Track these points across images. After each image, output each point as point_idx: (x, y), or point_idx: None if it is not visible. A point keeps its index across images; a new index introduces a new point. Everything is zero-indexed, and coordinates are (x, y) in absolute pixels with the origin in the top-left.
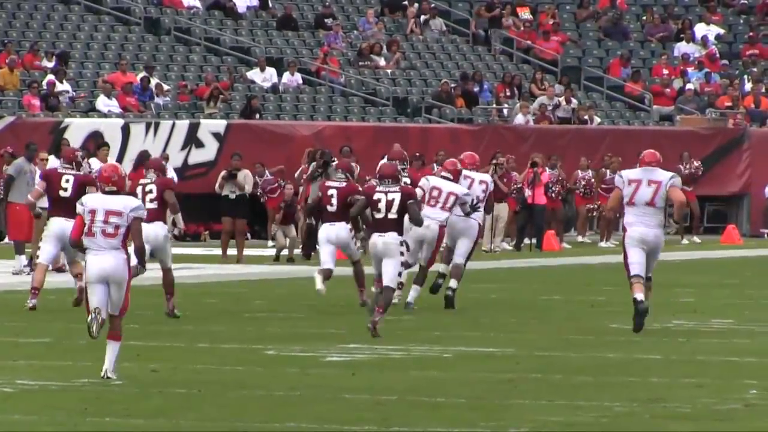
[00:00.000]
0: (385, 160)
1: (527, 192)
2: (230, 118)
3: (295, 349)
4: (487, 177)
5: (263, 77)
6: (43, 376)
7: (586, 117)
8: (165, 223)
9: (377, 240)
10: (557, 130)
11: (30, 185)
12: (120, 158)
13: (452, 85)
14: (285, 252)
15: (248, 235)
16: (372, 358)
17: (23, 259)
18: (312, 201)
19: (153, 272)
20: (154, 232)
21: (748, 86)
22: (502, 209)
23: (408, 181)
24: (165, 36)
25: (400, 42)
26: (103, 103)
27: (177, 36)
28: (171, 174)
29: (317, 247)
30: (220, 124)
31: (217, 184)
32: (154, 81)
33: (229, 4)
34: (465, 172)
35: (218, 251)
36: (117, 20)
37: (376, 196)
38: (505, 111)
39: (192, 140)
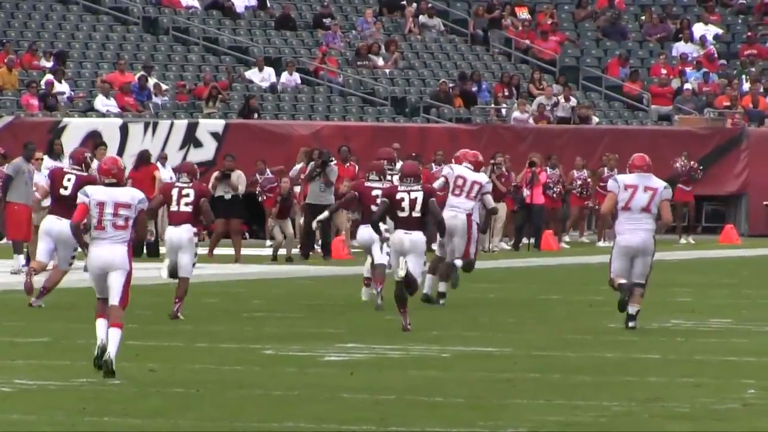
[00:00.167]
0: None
1: (525, 192)
2: (228, 117)
3: (293, 349)
4: (482, 177)
5: (261, 77)
6: (41, 375)
7: (586, 114)
8: (193, 226)
9: (404, 237)
10: (555, 130)
11: (28, 185)
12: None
13: (450, 85)
14: (283, 252)
15: (246, 234)
16: (370, 357)
17: (21, 259)
18: (346, 201)
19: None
20: (178, 235)
21: (746, 86)
22: (500, 209)
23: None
24: (163, 36)
25: (399, 42)
26: (101, 102)
27: (175, 36)
28: (169, 173)
29: (315, 246)
30: (218, 124)
31: (209, 185)
32: (152, 80)
33: (227, 4)
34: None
35: (218, 251)
36: (115, 20)
37: (398, 196)
38: (504, 111)
39: (190, 140)
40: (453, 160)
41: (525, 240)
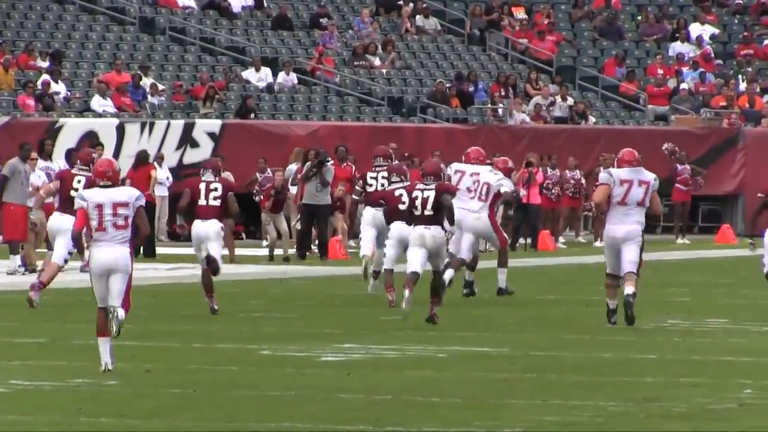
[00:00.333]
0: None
1: (522, 192)
2: (225, 117)
3: (290, 349)
4: (479, 168)
5: (258, 77)
6: (37, 376)
7: (583, 109)
8: (220, 221)
9: (425, 232)
10: (552, 130)
11: (24, 185)
12: (115, 158)
13: (447, 85)
14: (280, 252)
15: (243, 235)
16: (367, 357)
17: (18, 260)
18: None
19: (149, 272)
20: (205, 229)
21: (742, 86)
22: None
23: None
24: (160, 36)
25: (395, 42)
26: (98, 103)
27: (172, 36)
28: (167, 174)
29: (312, 246)
30: (215, 124)
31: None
32: (148, 80)
33: (224, 4)
34: (458, 166)
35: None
36: (112, 20)
37: (414, 194)
38: (500, 111)
39: (187, 140)
40: (463, 158)
41: (522, 240)
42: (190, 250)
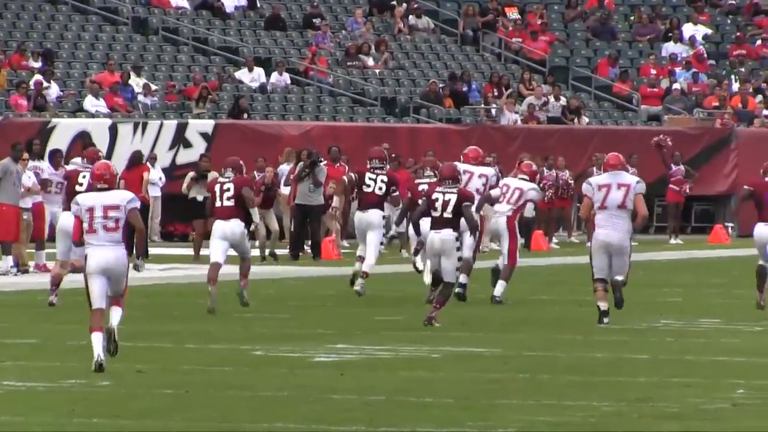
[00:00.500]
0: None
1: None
2: (218, 118)
3: (283, 350)
4: (488, 170)
5: (251, 77)
6: (30, 377)
7: (576, 105)
8: (242, 220)
9: (434, 237)
10: (545, 130)
11: (16, 186)
12: (108, 158)
13: (440, 85)
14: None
15: None
16: (360, 358)
17: (10, 260)
18: (409, 206)
19: (145, 273)
20: (231, 229)
21: (735, 86)
22: (489, 209)
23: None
24: (153, 36)
25: (389, 42)
26: (90, 103)
27: (165, 36)
28: (159, 174)
29: (305, 247)
30: (208, 124)
31: (184, 186)
32: (141, 80)
33: (217, 4)
34: (465, 166)
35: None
36: (104, 20)
37: (434, 196)
38: (494, 111)
39: (180, 140)
40: (461, 157)
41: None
42: (182, 251)
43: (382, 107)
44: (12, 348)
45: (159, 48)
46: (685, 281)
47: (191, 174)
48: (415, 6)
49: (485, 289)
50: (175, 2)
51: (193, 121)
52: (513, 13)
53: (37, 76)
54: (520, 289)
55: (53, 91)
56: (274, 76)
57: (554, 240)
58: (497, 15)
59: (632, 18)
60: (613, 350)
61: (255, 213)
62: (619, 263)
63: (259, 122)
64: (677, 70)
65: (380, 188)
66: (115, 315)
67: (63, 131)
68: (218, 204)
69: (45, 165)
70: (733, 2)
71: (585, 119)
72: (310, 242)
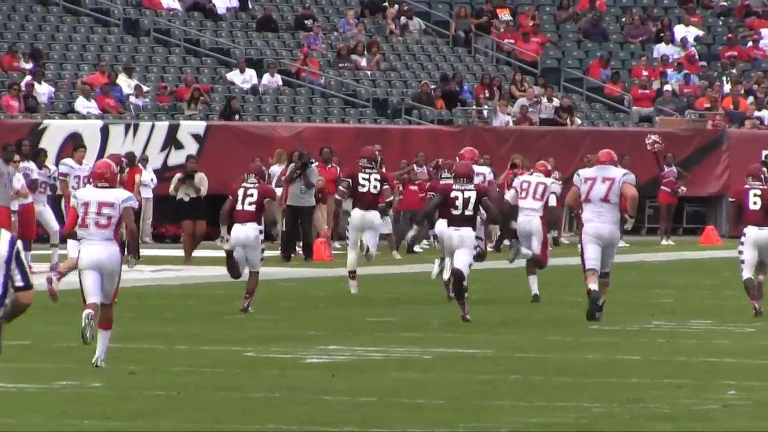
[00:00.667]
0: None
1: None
2: (210, 119)
3: (274, 351)
4: (484, 169)
5: (243, 78)
6: (21, 378)
7: (568, 104)
8: (258, 224)
9: (453, 234)
10: (537, 132)
11: (8, 187)
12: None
13: (432, 87)
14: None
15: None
16: (352, 359)
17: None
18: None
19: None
20: (245, 232)
21: (726, 88)
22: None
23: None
24: (144, 37)
25: (380, 43)
26: (82, 104)
27: (156, 37)
28: (151, 175)
29: (296, 248)
30: (199, 126)
31: (171, 187)
32: (132, 81)
33: (208, 6)
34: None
35: (199, 253)
36: (96, 21)
37: (452, 194)
38: (485, 112)
39: (171, 141)
40: (457, 158)
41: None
42: (174, 252)
43: (374, 108)
44: (3, 349)
45: (150, 49)
46: (677, 282)
47: (178, 175)
48: (406, 8)
49: (475, 290)
50: (166, 3)
51: (185, 123)
52: (505, 15)
53: (28, 78)
54: (511, 291)
55: (44, 91)
56: (266, 77)
57: None
58: (491, 18)
59: (624, 19)
60: (604, 351)
61: (278, 212)
62: (608, 256)
63: (251, 123)
64: (669, 71)
65: (375, 187)
66: (102, 342)
67: (54, 132)
68: (239, 207)
69: (34, 165)
70: (725, 4)
71: (577, 120)
72: (301, 243)
